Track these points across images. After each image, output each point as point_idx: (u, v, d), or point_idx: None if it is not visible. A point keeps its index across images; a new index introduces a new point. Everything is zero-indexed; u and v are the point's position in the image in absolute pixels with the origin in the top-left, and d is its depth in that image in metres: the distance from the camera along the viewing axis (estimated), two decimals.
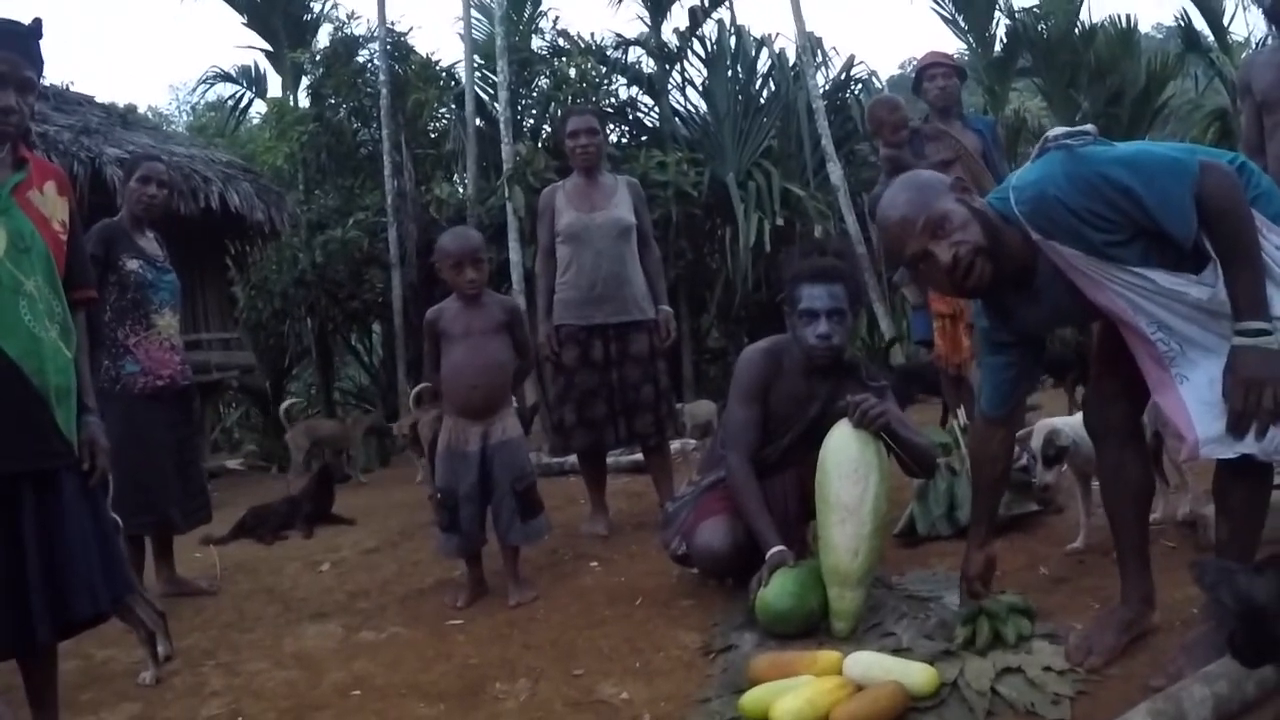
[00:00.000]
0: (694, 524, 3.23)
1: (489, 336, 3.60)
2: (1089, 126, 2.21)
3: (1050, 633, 2.51)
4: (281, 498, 5.74)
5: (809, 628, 2.78)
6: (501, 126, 10.25)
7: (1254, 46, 12.31)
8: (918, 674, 2.30)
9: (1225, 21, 14.13)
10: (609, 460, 4.89)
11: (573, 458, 4.93)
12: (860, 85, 11.88)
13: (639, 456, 5.04)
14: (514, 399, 3.87)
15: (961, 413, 4.42)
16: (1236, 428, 2.05)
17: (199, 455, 4.15)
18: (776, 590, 2.78)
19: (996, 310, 2.41)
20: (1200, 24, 13.62)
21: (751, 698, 2.33)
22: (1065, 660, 2.35)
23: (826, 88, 11.47)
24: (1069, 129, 2.18)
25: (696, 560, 3.27)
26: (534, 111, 11.67)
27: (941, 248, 2.16)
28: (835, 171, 9.99)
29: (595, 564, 3.88)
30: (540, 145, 10.56)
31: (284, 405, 8.55)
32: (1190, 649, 2.21)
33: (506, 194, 9.82)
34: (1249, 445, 2.05)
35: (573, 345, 4.35)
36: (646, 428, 4.38)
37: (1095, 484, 3.10)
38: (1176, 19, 14.10)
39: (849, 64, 11.90)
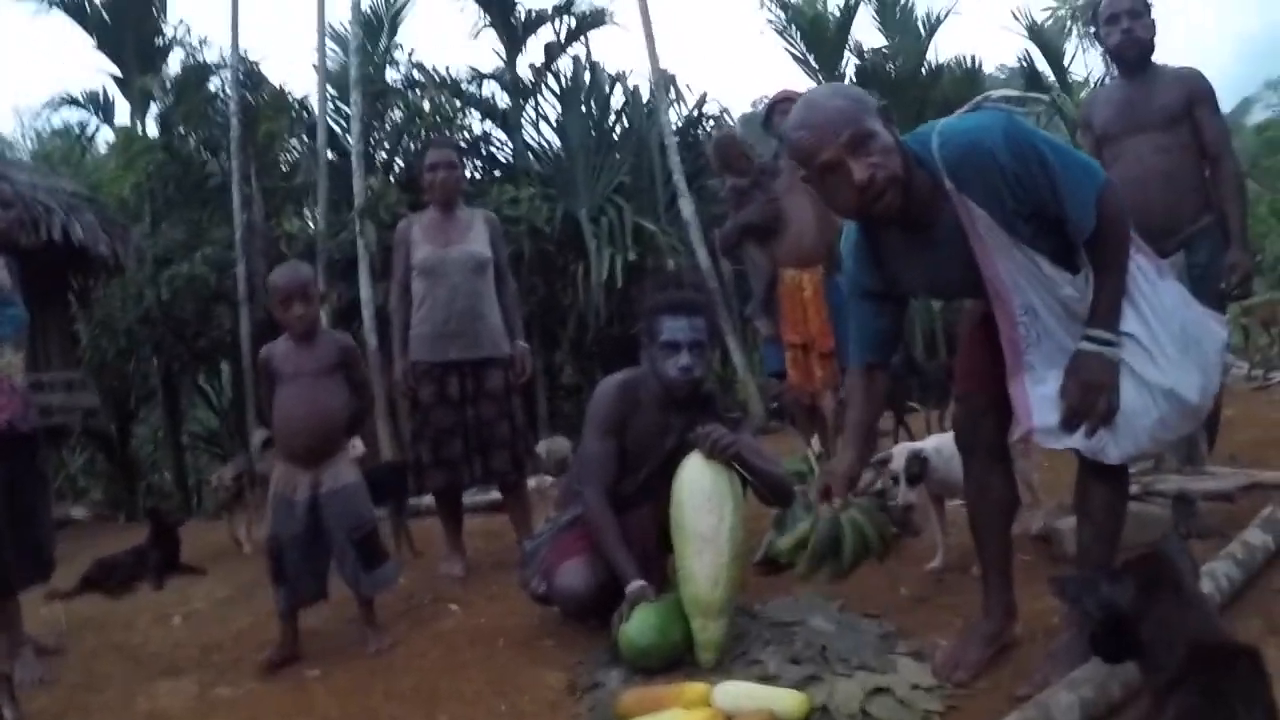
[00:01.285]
0: (553, 563, 3.15)
1: (320, 378, 3.40)
2: (1037, 94, 2.25)
3: (916, 650, 2.52)
4: (128, 548, 5.34)
5: (674, 661, 2.71)
6: (354, 159, 10.05)
7: (1093, 85, 13.10)
8: (787, 700, 2.26)
9: (1066, 62, 15.06)
10: (465, 500, 4.75)
11: (429, 498, 4.77)
12: (712, 121, 12.10)
13: (496, 495, 4.92)
14: (353, 444, 3.67)
15: (815, 441, 4.48)
16: (1069, 425, 2.15)
17: (43, 506, 3.77)
18: (639, 625, 2.72)
19: (872, 255, 2.35)
20: (1042, 65, 14.44)
21: None
22: (932, 676, 2.36)
23: (679, 124, 11.64)
24: (1013, 92, 2.20)
25: (558, 601, 3.17)
26: (386, 145, 11.49)
27: (859, 165, 2.08)
28: (687, 207, 10.10)
29: (454, 606, 3.74)
30: (392, 179, 10.37)
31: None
32: (1055, 657, 2.25)
33: (358, 229, 9.58)
34: (1077, 440, 2.16)
35: (429, 382, 4.22)
36: (503, 465, 4.27)
37: (949, 504, 3.16)
38: (1019, 60, 14.97)
39: (701, 101, 12.13)
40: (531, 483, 4.92)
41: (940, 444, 3.18)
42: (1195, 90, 3.42)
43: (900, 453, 3.25)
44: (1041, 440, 2.24)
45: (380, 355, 8.88)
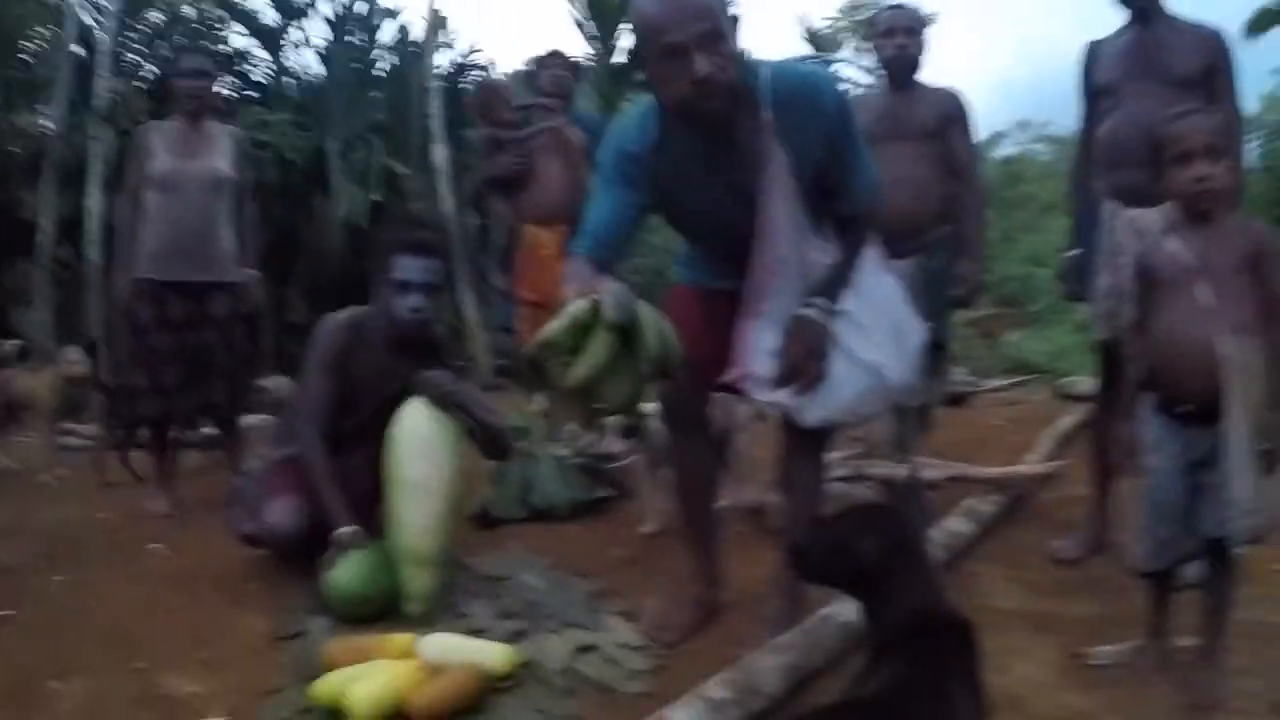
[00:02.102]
0: (263, 502, 2.97)
1: None
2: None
3: (625, 610, 2.56)
4: None
5: (383, 610, 2.63)
6: (102, 58, 9.10)
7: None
8: (494, 654, 2.24)
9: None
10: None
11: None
12: (480, 72, 11.85)
13: (211, 430, 4.61)
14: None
15: (539, 398, 4.47)
16: (780, 380, 2.24)
17: None
18: (347, 571, 2.62)
19: (656, 153, 2.24)
20: None
21: (324, 685, 2.16)
22: (641, 636, 2.40)
23: (446, 70, 11.32)
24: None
25: (265, 541, 2.99)
26: (139, 47, 10.48)
27: (704, 59, 2.02)
28: (440, 153, 9.85)
29: (158, 545, 3.46)
30: (141, 87, 9.50)
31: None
32: (763, 623, 2.34)
33: (92, 133, 8.70)
34: (781, 395, 2.25)
35: (150, 302, 3.88)
36: (220, 397, 4.00)
37: (664, 472, 3.23)
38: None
39: (470, 49, 11.87)
40: (252, 421, 4.65)
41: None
42: (951, 110, 3.64)
43: None
44: (749, 388, 2.30)
45: (102, 272, 8.12)
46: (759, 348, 2.26)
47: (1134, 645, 2.30)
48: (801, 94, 2.15)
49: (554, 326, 1.96)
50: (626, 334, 1.95)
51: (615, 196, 2.29)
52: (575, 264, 2.25)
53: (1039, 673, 2.29)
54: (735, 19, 2.12)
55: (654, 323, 1.98)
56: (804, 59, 2.90)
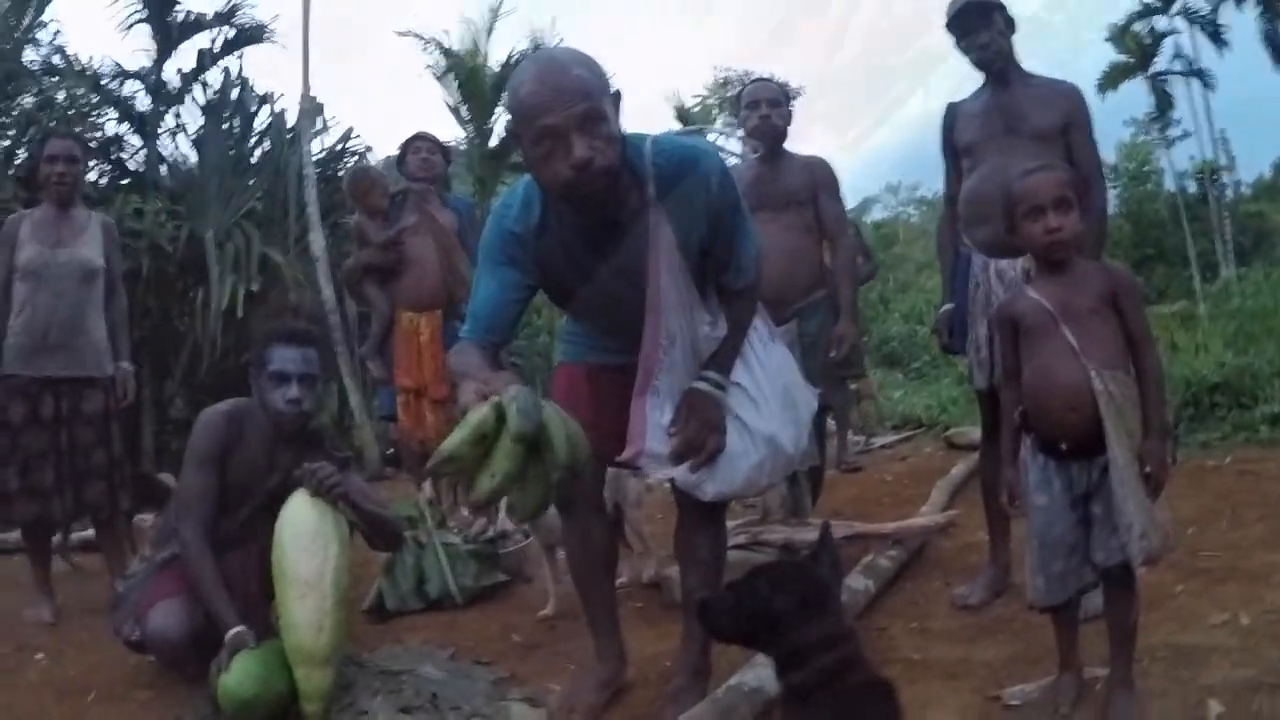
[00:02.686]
0: (147, 605, 2.82)
1: None
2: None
3: (530, 697, 2.49)
4: None
5: (278, 712, 2.52)
6: None
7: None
8: None
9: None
10: (55, 537, 4.22)
11: (15, 533, 4.17)
12: (356, 157, 11.74)
13: (90, 533, 4.39)
14: None
15: (427, 486, 4.40)
16: (677, 457, 2.21)
17: None
18: (239, 675, 2.49)
19: (539, 234, 2.20)
20: None
21: None
22: None
23: (321, 155, 11.19)
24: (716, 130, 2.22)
25: (151, 647, 2.83)
26: (11, 133, 10.09)
27: (582, 142, 1.94)
28: (318, 241, 9.68)
29: (40, 656, 3.29)
30: (10, 172, 9.12)
31: None
32: (673, 697, 2.30)
33: None
34: (679, 472, 2.23)
35: (21, 400, 3.73)
36: (97, 497, 3.83)
37: (560, 554, 3.18)
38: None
39: (347, 135, 11.70)
40: (146, 519, 4.44)
41: None
42: (819, 177, 3.74)
43: None
44: (646, 465, 2.27)
45: None
46: (653, 424, 2.22)
47: (1047, 681, 2.32)
48: (684, 167, 2.13)
49: (455, 439, 1.86)
50: (533, 441, 1.87)
51: (500, 278, 2.24)
52: (465, 350, 2.20)
53: None
54: (617, 95, 2.08)
55: (561, 426, 1.89)
56: (683, 132, 2.97)
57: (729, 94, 15.50)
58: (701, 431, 2.19)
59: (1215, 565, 3.09)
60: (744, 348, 2.31)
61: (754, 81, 4.01)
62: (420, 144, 4.90)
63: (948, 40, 3.18)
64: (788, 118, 3.81)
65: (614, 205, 2.11)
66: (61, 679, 3.04)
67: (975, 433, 4.69)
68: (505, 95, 13.39)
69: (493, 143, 13.53)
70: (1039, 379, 2.20)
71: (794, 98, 4.01)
